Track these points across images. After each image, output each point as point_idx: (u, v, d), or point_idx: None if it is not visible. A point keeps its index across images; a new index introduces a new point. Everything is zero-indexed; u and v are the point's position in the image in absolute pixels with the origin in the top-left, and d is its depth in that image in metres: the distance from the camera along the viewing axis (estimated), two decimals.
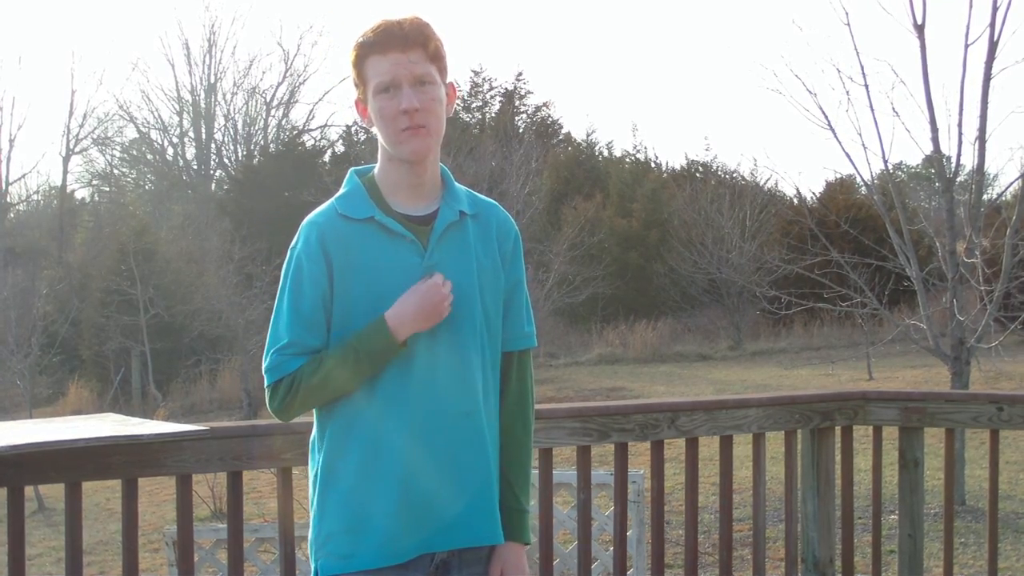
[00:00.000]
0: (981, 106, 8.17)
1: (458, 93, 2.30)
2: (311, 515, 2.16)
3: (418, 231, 2.12)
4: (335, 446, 2.12)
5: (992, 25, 8.02)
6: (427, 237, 2.12)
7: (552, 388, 16.57)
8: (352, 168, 2.23)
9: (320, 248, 2.08)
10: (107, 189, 38.86)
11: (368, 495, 2.08)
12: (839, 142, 8.80)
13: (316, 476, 2.15)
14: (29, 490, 9.08)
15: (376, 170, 2.19)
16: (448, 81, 2.16)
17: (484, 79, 30.73)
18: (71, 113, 41.83)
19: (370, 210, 2.11)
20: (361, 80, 2.12)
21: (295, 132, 34.90)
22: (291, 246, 2.13)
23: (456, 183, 2.21)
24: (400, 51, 2.06)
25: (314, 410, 2.17)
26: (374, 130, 2.15)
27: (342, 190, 2.17)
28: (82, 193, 39.00)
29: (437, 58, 2.11)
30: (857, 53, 8.53)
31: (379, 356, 2.06)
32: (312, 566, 2.14)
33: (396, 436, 2.08)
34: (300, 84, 37.56)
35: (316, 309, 2.09)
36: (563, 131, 31.04)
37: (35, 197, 38.33)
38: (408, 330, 2.06)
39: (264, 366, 2.11)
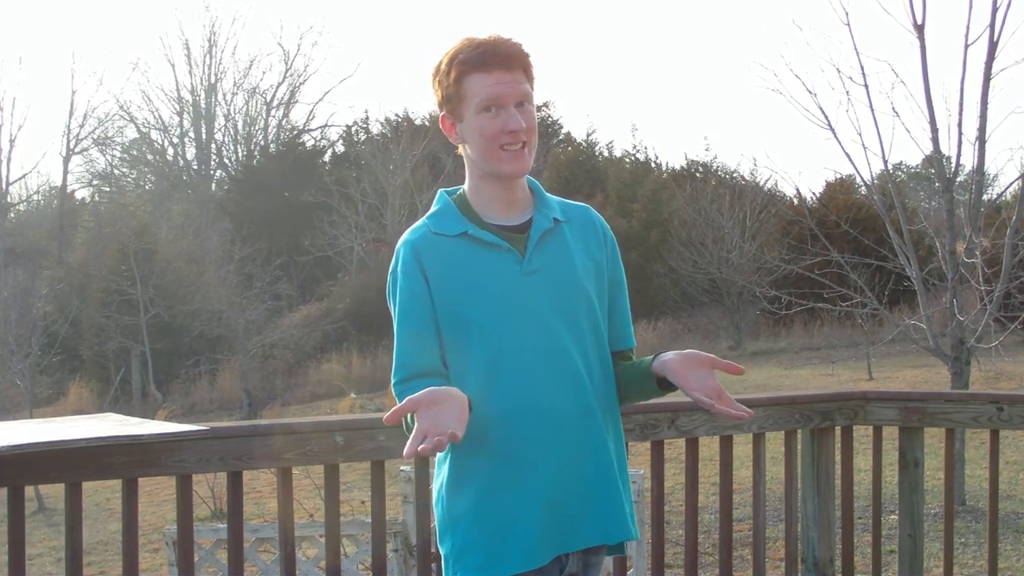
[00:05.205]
0: (981, 106, 8.16)
1: None
2: (441, 525, 2.15)
3: (514, 239, 2.15)
4: (465, 459, 2.11)
5: (992, 25, 8.01)
6: (524, 245, 2.15)
7: None
8: (441, 188, 2.25)
9: (416, 263, 2.12)
10: (107, 189, 38.89)
11: (502, 503, 2.09)
12: (839, 142, 8.78)
13: (443, 485, 2.14)
14: (29, 490, 9.08)
15: (466, 188, 2.21)
16: None
17: None
18: (71, 113, 42.06)
19: (463, 226, 2.14)
20: (459, 97, 2.12)
21: (295, 132, 34.94)
22: (391, 269, 2.17)
23: (546, 192, 2.24)
24: (504, 70, 2.09)
25: None
26: (461, 149, 2.18)
27: (433, 208, 2.20)
28: (82, 193, 39.09)
29: (531, 78, 2.16)
30: (857, 53, 8.51)
31: None
32: None
33: (522, 443, 2.09)
34: (300, 84, 37.60)
35: (424, 324, 2.11)
36: (563, 131, 31.03)
37: (35, 197, 38.45)
38: None
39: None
